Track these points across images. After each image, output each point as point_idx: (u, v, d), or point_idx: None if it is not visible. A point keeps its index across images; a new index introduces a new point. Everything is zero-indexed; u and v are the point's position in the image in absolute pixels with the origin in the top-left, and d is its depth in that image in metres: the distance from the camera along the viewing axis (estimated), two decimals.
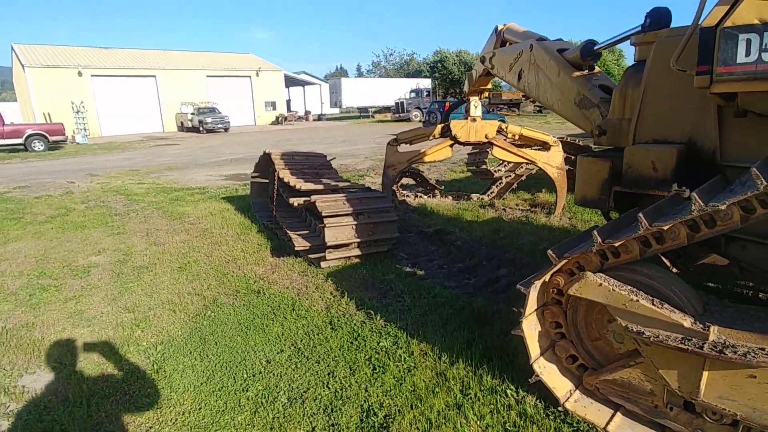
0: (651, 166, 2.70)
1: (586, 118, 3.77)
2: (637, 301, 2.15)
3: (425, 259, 5.12)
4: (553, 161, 6.74)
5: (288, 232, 5.28)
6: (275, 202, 6.18)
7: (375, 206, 4.95)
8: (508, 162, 7.97)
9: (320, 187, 5.57)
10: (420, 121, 35.55)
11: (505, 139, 6.88)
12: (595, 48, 3.78)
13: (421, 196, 8.21)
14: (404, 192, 8.34)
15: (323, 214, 4.61)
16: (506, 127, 6.75)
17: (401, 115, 37.04)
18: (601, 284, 2.25)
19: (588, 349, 2.55)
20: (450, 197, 8.25)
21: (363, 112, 49.61)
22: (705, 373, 2.03)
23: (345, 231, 4.71)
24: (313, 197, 4.84)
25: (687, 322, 2.05)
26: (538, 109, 39.51)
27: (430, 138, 6.93)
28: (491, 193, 8.28)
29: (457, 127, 6.55)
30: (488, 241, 5.57)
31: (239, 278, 4.69)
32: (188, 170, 13.94)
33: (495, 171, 8.13)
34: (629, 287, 2.21)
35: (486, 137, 6.57)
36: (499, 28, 5.39)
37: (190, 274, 4.86)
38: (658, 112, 2.87)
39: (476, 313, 3.60)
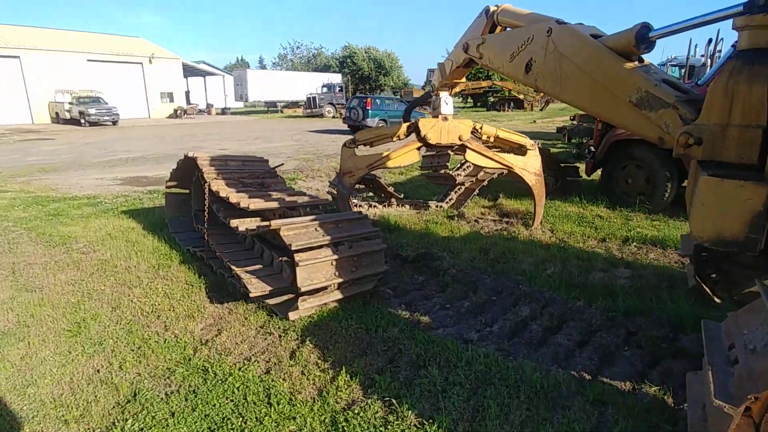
0: None
1: (649, 122, 2.93)
2: None
3: (419, 295, 4.03)
4: (530, 167, 6.04)
5: (234, 269, 3.85)
6: (207, 221, 4.66)
7: (356, 232, 3.75)
8: (469, 165, 7.19)
9: (274, 204, 4.21)
10: (333, 117, 34.29)
11: (479, 142, 6.04)
12: (651, 35, 2.96)
13: (376, 206, 7.09)
14: (355, 202, 7.16)
15: (293, 248, 3.31)
16: (480, 128, 5.90)
17: (313, 110, 35.46)
18: None
19: None
20: (407, 206, 7.24)
21: (271, 107, 46.94)
22: None
23: (322, 269, 3.44)
24: (275, 223, 3.50)
25: None
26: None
27: (394, 139, 5.86)
28: (450, 200, 7.44)
29: (427, 126, 5.55)
30: (482, 265, 4.64)
31: (170, 346, 3.20)
32: (70, 172, 11.31)
33: (456, 175, 7.28)
34: None
35: (459, 139, 5.66)
36: (491, 10, 4.44)
37: (88, 343, 3.25)
38: None
39: (538, 390, 2.61)
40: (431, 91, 5.78)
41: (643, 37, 3.00)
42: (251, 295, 3.51)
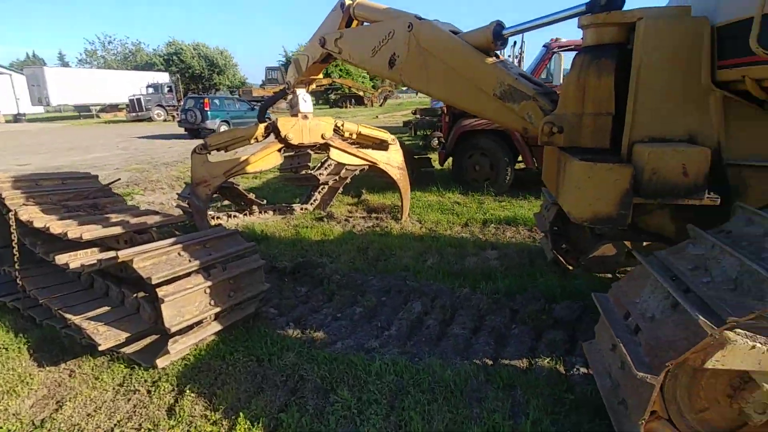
0: (682, 170, 2.20)
1: (513, 113, 3.13)
2: None
3: (306, 309, 3.73)
4: (393, 161, 6.13)
5: (71, 318, 3.03)
6: (18, 261, 3.61)
7: (229, 250, 3.27)
8: (331, 163, 7.04)
9: (116, 230, 3.44)
10: (164, 120, 30.94)
11: (342, 139, 5.90)
12: (504, 32, 3.17)
13: (236, 215, 6.47)
14: (211, 213, 6.41)
15: (154, 282, 2.71)
16: (342, 125, 5.78)
17: (139, 114, 31.44)
18: (753, 347, 1.57)
19: (691, 425, 1.88)
20: (271, 212, 6.78)
21: (83, 111, 40.18)
22: None
23: (194, 301, 2.91)
24: (124, 253, 2.83)
25: None
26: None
27: (252, 142, 5.37)
28: (314, 201, 7.20)
29: (287, 126, 5.22)
30: (364, 266, 4.53)
31: None
32: None
33: (319, 175, 7.04)
34: None
35: (323, 137, 5.46)
36: (346, 3, 4.32)
37: None
38: (655, 105, 2.40)
39: (453, 389, 2.57)
40: (287, 88, 5.45)
41: (499, 34, 3.17)
42: (101, 348, 2.79)
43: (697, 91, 2.36)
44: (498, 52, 3.41)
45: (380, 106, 39.04)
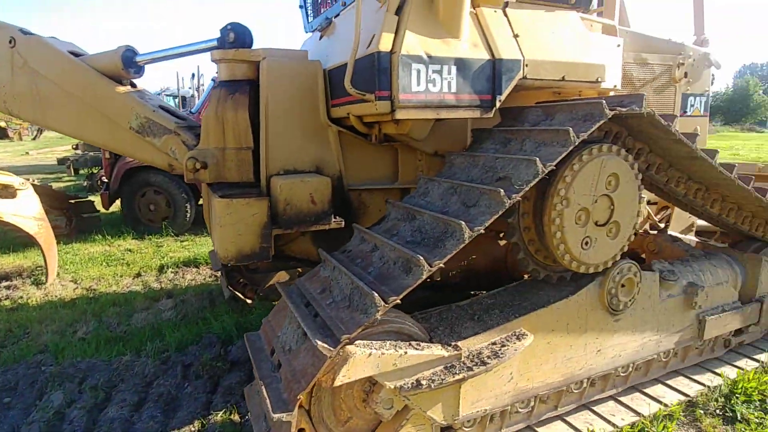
0: (310, 199, 2.38)
1: (154, 148, 2.90)
2: (405, 353, 1.84)
3: None
4: (25, 211, 4.79)
5: None
6: None
7: None
8: None
9: None
10: None
11: None
12: (137, 59, 2.94)
13: None
14: None
15: None
16: None
17: None
18: (370, 354, 1.75)
19: None
20: None
21: None
22: (461, 391, 2.05)
23: None
24: None
25: (445, 351, 1.96)
26: None
27: None
28: None
29: None
30: None
31: None
32: None
33: None
34: (389, 342, 1.86)
35: None
36: None
37: None
38: (284, 139, 2.55)
39: None
40: None
41: (130, 60, 2.87)
42: None
43: (318, 127, 2.64)
44: (134, 81, 3.07)
45: (33, 139, 31.10)
